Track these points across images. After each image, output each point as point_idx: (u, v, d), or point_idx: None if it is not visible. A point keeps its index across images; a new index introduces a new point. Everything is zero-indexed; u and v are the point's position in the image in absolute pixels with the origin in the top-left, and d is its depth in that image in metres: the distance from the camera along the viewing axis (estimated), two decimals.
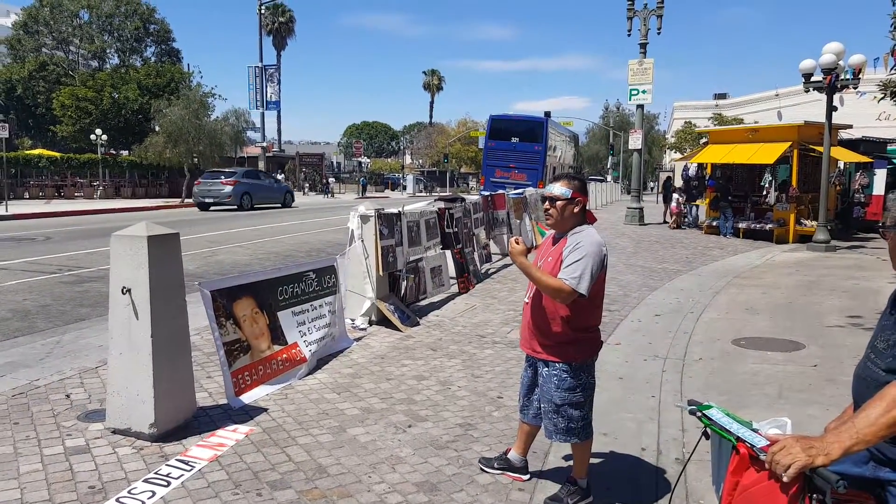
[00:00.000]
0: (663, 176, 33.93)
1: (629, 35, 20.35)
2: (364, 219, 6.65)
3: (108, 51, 46.70)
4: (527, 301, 3.41)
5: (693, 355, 6.14)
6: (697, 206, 20.57)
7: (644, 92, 20.48)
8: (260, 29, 40.31)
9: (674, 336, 6.85)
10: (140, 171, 34.49)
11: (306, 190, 45.20)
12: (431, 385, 5.10)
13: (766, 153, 16.09)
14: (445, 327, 6.96)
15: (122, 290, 3.80)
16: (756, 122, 24.66)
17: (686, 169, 29.13)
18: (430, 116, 78.89)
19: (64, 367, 5.05)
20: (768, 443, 1.68)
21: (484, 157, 32.46)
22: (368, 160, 70.68)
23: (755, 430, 1.79)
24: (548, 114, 34.85)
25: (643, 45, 20.11)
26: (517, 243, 3.18)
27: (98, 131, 32.16)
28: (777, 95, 39.18)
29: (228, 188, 24.92)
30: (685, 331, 7.08)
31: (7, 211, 19.27)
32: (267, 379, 4.77)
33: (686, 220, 20.07)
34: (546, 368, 3.29)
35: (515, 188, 16.67)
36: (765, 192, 18.03)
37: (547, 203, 3.24)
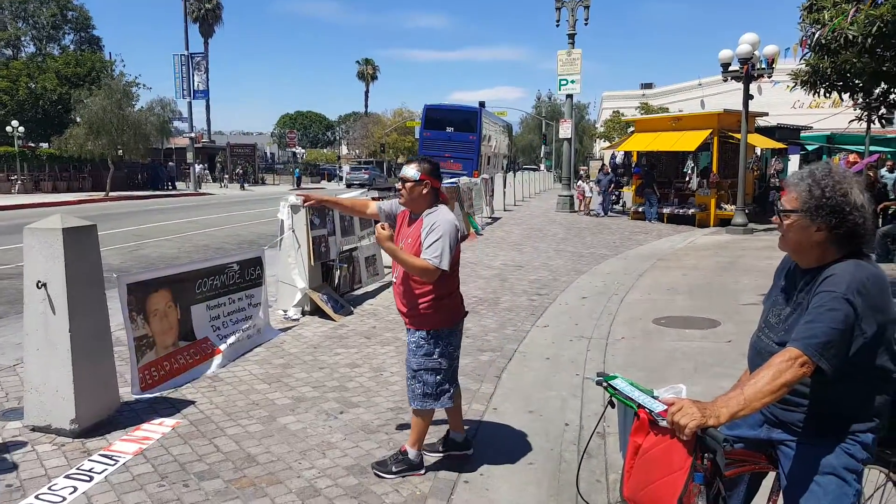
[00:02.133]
0: (595, 165, 34.85)
1: (557, 25, 20.72)
2: (294, 209, 6.61)
3: (22, 38, 44.08)
4: (394, 280, 3.56)
5: (616, 335, 6.42)
6: (619, 193, 21.31)
7: (573, 82, 20.94)
8: (185, 16, 38.66)
9: (598, 317, 7.13)
10: (61, 164, 32.73)
11: (225, 182, 43.95)
12: (364, 372, 5.16)
13: (689, 141, 16.82)
14: (380, 315, 7.01)
15: (38, 285, 3.69)
16: (680, 111, 25.65)
17: (613, 157, 30.04)
18: (366, 106, 77.95)
19: None
20: (665, 408, 1.82)
21: (420, 146, 32.48)
22: (303, 150, 69.37)
23: (655, 398, 1.93)
24: (482, 104, 35.11)
25: (571, 36, 20.53)
26: (383, 229, 3.29)
27: (14, 123, 30.36)
28: (700, 85, 40.64)
29: None
30: (609, 312, 7.38)
31: None
32: (175, 374, 4.72)
33: (604, 206, 20.41)
34: (410, 336, 3.52)
35: (451, 177, 16.80)
36: (687, 179, 18.83)
37: (399, 183, 3.46)
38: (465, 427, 3.83)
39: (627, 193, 21.90)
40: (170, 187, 37.05)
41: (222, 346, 5.19)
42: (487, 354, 5.70)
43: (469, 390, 4.75)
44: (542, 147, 60.67)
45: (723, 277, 9.50)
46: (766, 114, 19.07)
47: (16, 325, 5.79)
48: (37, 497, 3.11)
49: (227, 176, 44.78)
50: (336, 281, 7.24)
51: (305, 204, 3.86)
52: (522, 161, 72.83)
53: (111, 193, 28.76)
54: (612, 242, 13.83)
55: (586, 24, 20.47)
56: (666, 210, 17.90)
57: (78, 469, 3.41)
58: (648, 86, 58.28)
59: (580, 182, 21.24)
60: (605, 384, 2.08)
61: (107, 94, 27.99)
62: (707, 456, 1.76)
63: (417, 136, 35.80)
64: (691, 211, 17.36)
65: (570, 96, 21.87)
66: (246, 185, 41.09)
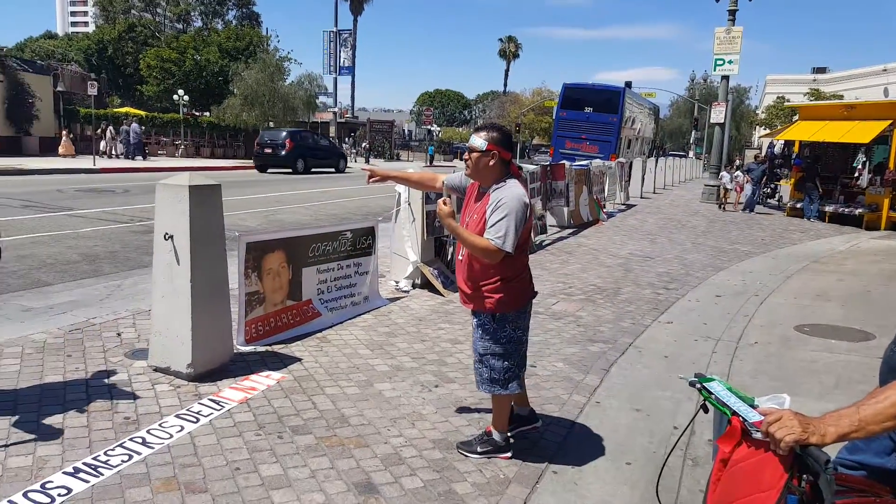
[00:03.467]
0: (752, 154, 32.26)
1: (717, 1, 19.27)
2: None
3: (192, 13, 48.25)
4: (459, 258, 3.37)
5: (749, 339, 5.87)
6: (776, 186, 19.45)
7: (730, 62, 19.41)
8: None
9: (731, 318, 6.57)
10: (218, 132, 35.69)
11: (355, 157, 45.18)
12: (465, 349, 5.09)
13: (862, 132, 14.94)
14: None
15: (165, 236, 3.95)
16: (857, 99, 22.96)
17: (772, 146, 27.59)
18: (505, 85, 77.74)
19: (120, 308, 5.34)
20: (761, 418, 1.59)
21: (555, 127, 31.80)
22: (439, 129, 70.60)
23: (755, 407, 1.69)
24: (628, 84, 33.65)
25: (732, 13, 19.03)
26: (445, 204, 3.13)
27: (180, 92, 33.43)
28: (885, 71, 36.20)
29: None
30: (745, 314, 6.77)
31: (94, 165, 20.45)
32: (278, 331, 4.91)
33: (750, 200, 17.99)
34: (475, 319, 3.34)
35: (586, 160, 16.27)
36: (857, 174, 16.86)
37: (466, 153, 3.21)
38: (561, 417, 3.66)
39: (785, 187, 20.01)
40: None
41: (322, 310, 5.34)
42: (598, 346, 5.42)
43: (571, 380, 4.55)
44: (693, 132, 57.07)
45: (888, 287, 8.41)
46: None
47: None
48: (148, 431, 3.35)
49: (354, 151, 46.07)
50: (448, 256, 7.23)
51: (370, 180, 3.75)
52: (670, 146, 69.27)
53: None
54: (761, 239, 12.71)
55: (750, 0, 18.84)
56: (828, 208, 16.15)
57: (188, 410, 3.63)
58: (821, 70, 52.99)
59: (724, 172, 19.50)
60: (698, 385, 1.85)
61: (261, 67, 30.03)
62: (806, 478, 1.50)
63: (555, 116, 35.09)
64: (858, 211, 15.52)
65: (726, 78, 20.32)
66: (370, 159, 41.92)
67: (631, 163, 21.05)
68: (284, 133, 25.43)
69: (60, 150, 24.80)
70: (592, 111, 30.06)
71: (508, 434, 3.53)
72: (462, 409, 3.96)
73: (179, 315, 3.98)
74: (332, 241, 5.42)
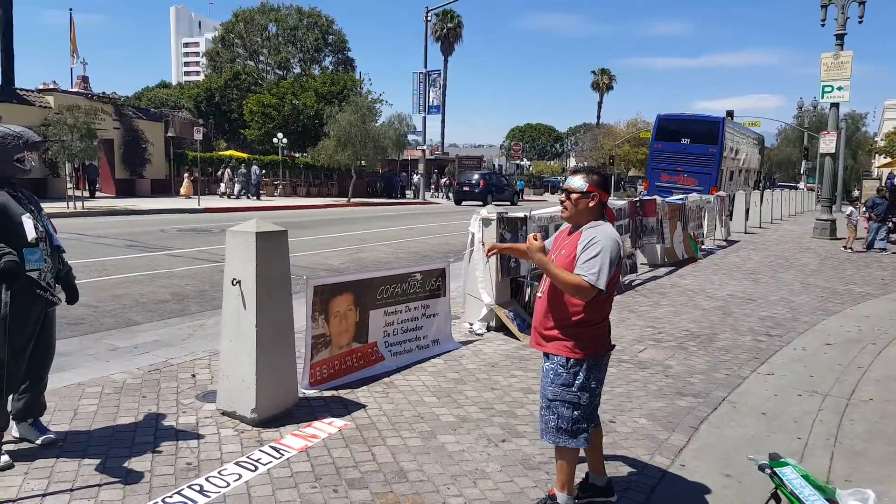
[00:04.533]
0: (871, 185, 29.88)
1: (823, 25, 18.20)
2: (486, 222, 6.51)
3: (291, 60, 51.02)
4: (539, 296, 3.26)
5: (862, 395, 5.23)
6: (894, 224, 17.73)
7: (840, 89, 18.19)
8: (426, 35, 41.69)
9: (843, 370, 5.90)
10: (314, 171, 37.27)
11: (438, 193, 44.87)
12: (538, 399, 4.78)
13: None
14: None
15: (233, 282, 4.00)
16: None
17: (891, 177, 25.42)
18: (598, 117, 76.68)
19: (198, 349, 5.47)
20: None
21: (649, 159, 30.85)
22: (529, 163, 70.42)
23: (834, 502, 1.40)
24: (730, 113, 32.30)
25: (840, 37, 17.86)
26: (535, 239, 3.08)
27: (279, 135, 35.26)
28: None
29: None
30: (860, 365, 6.08)
31: (199, 205, 21.78)
32: (342, 374, 4.87)
33: (874, 238, 16.11)
34: (547, 363, 3.17)
35: (683, 193, 15.56)
36: None
37: (563, 195, 3.15)
38: (640, 481, 3.33)
39: None
40: (399, 196, 39.96)
41: (386, 354, 5.26)
42: (687, 400, 4.98)
43: (655, 438, 4.17)
44: (803, 162, 53.74)
45: None
46: None
47: None
48: (207, 479, 3.32)
49: (433, 186, 45.82)
50: (526, 298, 6.98)
51: (489, 254, 3.78)
52: (779, 177, 65.66)
53: (352, 199, 31.90)
54: (881, 279, 11.54)
55: (860, 22, 17.65)
56: None
57: (247, 458, 3.59)
58: None
59: (850, 208, 17.68)
60: (769, 471, 1.57)
61: (353, 109, 31.19)
62: None
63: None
64: None
65: (835, 105, 19.08)
66: (450, 194, 42.24)
67: (733, 195, 19.95)
68: (478, 175, 35.67)
69: (182, 190, 26.83)
70: (689, 142, 28.96)
71: (576, 500, 3.26)
72: (530, 469, 3.70)
73: (245, 359, 3.99)
74: (400, 284, 5.34)
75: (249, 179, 30.22)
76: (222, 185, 30.59)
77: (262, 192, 31.19)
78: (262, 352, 3.99)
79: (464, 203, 32.80)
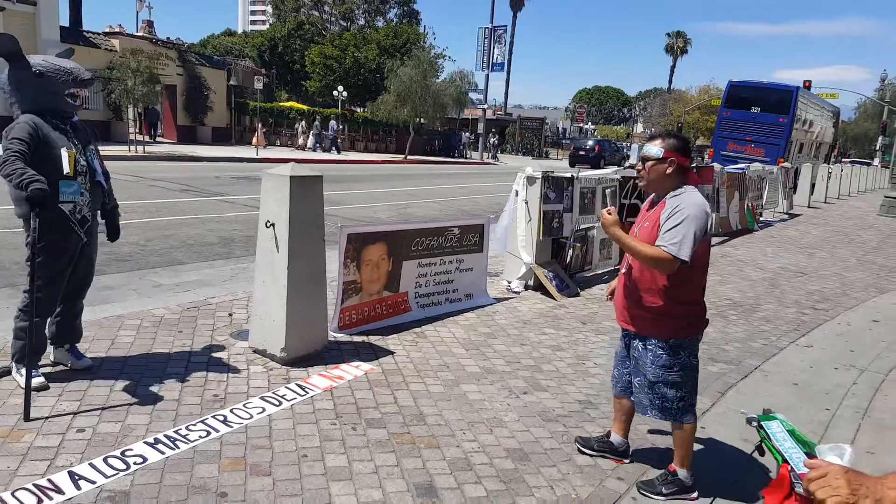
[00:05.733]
0: None
1: None
2: (530, 181, 6.45)
3: (355, 11, 50.53)
4: (622, 272, 3.16)
5: None
6: None
7: None
8: None
9: (886, 347, 5.71)
10: (372, 126, 37.24)
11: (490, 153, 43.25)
12: (566, 357, 4.85)
13: None
14: (607, 302, 6.50)
15: (266, 224, 4.12)
16: None
17: None
18: (670, 82, 73.71)
19: (238, 290, 5.68)
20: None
21: (717, 127, 29.67)
22: (593, 126, 68.61)
23: (812, 456, 1.40)
24: (807, 84, 30.65)
25: None
26: (609, 213, 2.97)
27: (340, 88, 35.32)
28: None
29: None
30: None
31: (258, 155, 22.24)
32: (371, 321, 4.97)
33: None
34: (640, 343, 3.05)
35: (747, 163, 15.02)
36: None
37: (640, 163, 3.02)
38: (657, 440, 3.35)
39: None
40: (457, 155, 39.69)
41: (413, 305, 5.33)
42: (719, 366, 4.93)
43: None
44: (880, 138, 50.73)
45: None
46: None
47: None
48: (231, 410, 3.50)
49: (489, 147, 44.32)
50: (567, 259, 6.93)
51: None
52: (854, 153, 62.30)
53: (409, 157, 31.90)
54: None
55: None
56: None
57: (273, 393, 3.76)
58: None
59: None
60: (756, 424, 1.59)
61: (415, 64, 30.82)
62: None
63: None
64: None
65: None
66: (498, 155, 41.35)
67: (798, 168, 19.09)
68: (592, 141, 39.94)
69: (254, 141, 27.49)
70: (760, 111, 27.69)
71: (594, 450, 3.37)
72: (548, 420, 3.75)
73: (276, 300, 4.13)
74: (437, 237, 5.38)
75: (322, 133, 30.73)
76: (300, 138, 31.15)
77: (336, 146, 31.40)
78: (292, 294, 4.12)
79: (577, 165, 33.98)
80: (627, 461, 3.36)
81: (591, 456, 3.39)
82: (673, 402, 2.98)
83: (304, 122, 31.64)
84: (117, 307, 5.02)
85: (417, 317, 5.30)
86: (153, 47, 23.45)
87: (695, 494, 3.04)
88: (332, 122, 31.45)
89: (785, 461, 1.42)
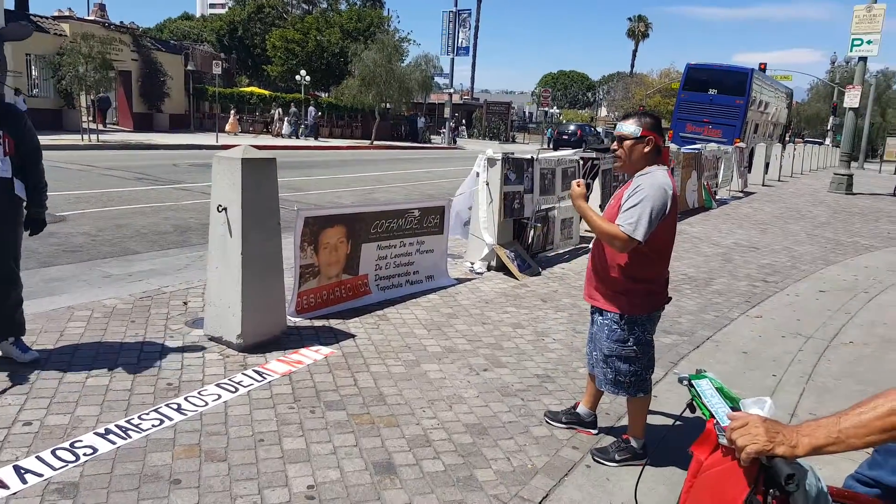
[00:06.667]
0: (892, 142, 28.99)
1: None
2: (491, 162, 6.47)
3: None
4: (591, 247, 3.21)
5: (844, 338, 5.28)
6: None
7: (869, 43, 17.74)
8: None
9: (831, 316, 5.93)
10: (337, 112, 36.74)
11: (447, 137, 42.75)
12: (526, 334, 4.92)
13: None
14: (567, 280, 6.64)
15: (218, 208, 4.06)
16: None
17: None
18: (632, 66, 74.31)
19: (193, 278, 5.60)
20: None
21: (675, 109, 30.09)
22: (558, 111, 68.86)
23: (738, 409, 1.48)
24: (763, 66, 31.28)
25: None
26: (578, 185, 2.98)
27: (303, 72, 34.69)
28: None
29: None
30: (848, 311, 6.11)
31: (217, 142, 21.80)
32: (329, 304, 4.96)
33: None
34: (600, 317, 3.11)
35: (706, 144, 15.31)
36: None
37: (615, 143, 2.97)
38: (611, 409, 3.44)
39: None
40: (420, 140, 39.38)
41: (373, 287, 5.33)
42: (672, 338, 5.05)
43: None
44: (831, 118, 52.20)
45: None
46: None
47: None
48: (185, 398, 3.45)
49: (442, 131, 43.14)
50: (529, 240, 7.00)
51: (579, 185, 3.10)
52: (807, 133, 63.92)
53: (375, 142, 31.65)
54: (886, 233, 11.41)
55: None
56: None
57: (229, 380, 3.72)
58: None
59: None
60: (686, 383, 1.66)
61: (379, 48, 30.49)
62: (772, 493, 1.29)
63: None
64: None
65: (863, 59, 18.49)
66: (456, 140, 40.82)
67: (752, 148, 19.52)
68: (574, 126, 41.06)
69: (227, 127, 27.05)
70: (716, 93, 28.18)
71: (563, 423, 3.46)
72: (507, 395, 3.81)
73: (231, 286, 4.09)
74: (396, 219, 5.38)
75: (300, 120, 30.52)
76: (277, 124, 30.83)
77: (315, 132, 31.16)
78: (247, 279, 4.07)
79: (560, 149, 34.89)
80: (595, 432, 3.43)
81: (551, 427, 3.46)
82: (626, 376, 3.05)
83: (280, 109, 31.26)
84: (66, 298, 4.91)
85: (378, 299, 5.30)
86: (106, 32, 22.74)
87: (645, 461, 3.14)
88: (312, 109, 31.30)
89: (712, 416, 1.49)
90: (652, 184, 2.83)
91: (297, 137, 29.98)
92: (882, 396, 1.26)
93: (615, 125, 3.13)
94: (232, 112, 28.54)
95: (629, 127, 2.91)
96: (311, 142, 28.79)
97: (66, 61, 18.56)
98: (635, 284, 2.95)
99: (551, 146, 37.30)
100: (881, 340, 5.24)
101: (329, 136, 35.32)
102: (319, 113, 32.62)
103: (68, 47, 19.32)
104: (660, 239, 2.88)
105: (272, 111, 31.72)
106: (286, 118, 30.60)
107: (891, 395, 1.25)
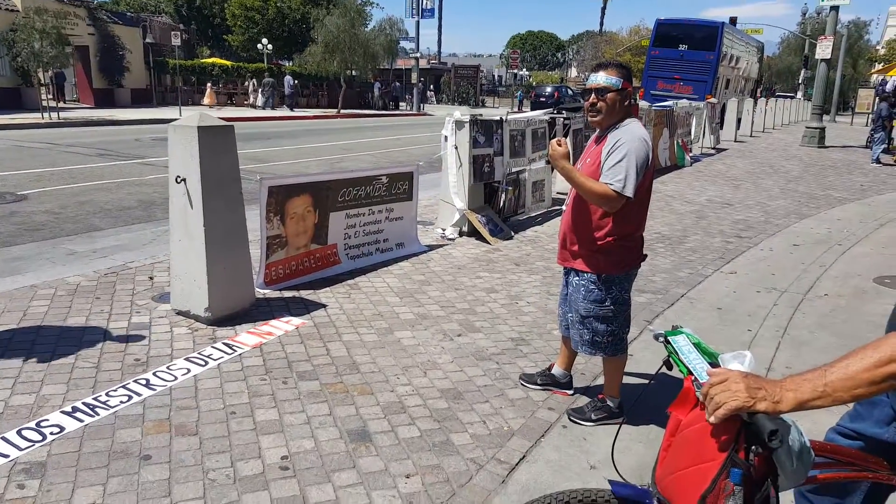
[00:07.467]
0: (866, 94, 29.20)
1: None
2: (459, 125, 6.35)
3: None
4: (565, 208, 3.11)
5: (819, 290, 5.32)
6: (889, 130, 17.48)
7: None
8: None
9: (804, 269, 5.98)
10: (301, 80, 35.94)
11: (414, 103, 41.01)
12: (499, 298, 4.88)
13: None
14: (540, 243, 6.60)
15: (177, 179, 3.92)
16: None
17: (883, 83, 24.87)
18: (601, 25, 73.73)
19: (159, 253, 5.45)
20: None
21: (646, 66, 29.97)
22: (528, 73, 68.35)
23: (717, 364, 1.42)
24: (733, 20, 31.18)
25: None
26: (559, 144, 2.84)
27: (264, 41, 33.75)
28: None
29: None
30: (822, 264, 6.15)
31: (180, 115, 21.16)
32: (299, 274, 4.87)
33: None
34: (576, 278, 3.04)
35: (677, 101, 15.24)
36: None
37: (594, 96, 2.81)
38: (586, 369, 3.43)
39: None
40: (392, 107, 38.84)
41: (343, 256, 5.25)
42: (646, 296, 5.05)
43: None
44: (802, 72, 52.47)
45: None
46: None
47: None
48: (154, 373, 3.37)
49: (408, 96, 41.45)
50: (500, 204, 6.93)
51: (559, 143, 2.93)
52: (779, 87, 64.28)
53: (342, 111, 31.06)
54: (860, 186, 11.55)
55: None
56: None
57: (198, 353, 3.64)
58: None
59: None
60: (662, 340, 1.60)
61: (342, 13, 29.71)
62: (755, 449, 1.24)
63: None
64: None
65: (835, 8, 18.41)
66: (424, 105, 40.33)
67: (724, 104, 19.55)
68: (551, 88, 40.52)
69: (205, 100, 26.25)
70: (687, 48, 28.07)
71: (538, 384, 3.44)
72: (481, 360, 3.78)
73: (195, 259, 3.97)
74: (364, 186, 5.27)
75: (275, 90, 30.01)
76: (252, 95, 30.30)
77: (292, 103, 30.69)
78: (211, 251, 3.96)
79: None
80: (571, 392, 3.42)
81: (528, 389, 3.44)
82: (603, 336, 3.01)
83: (254, 80, 30.67)
84: (30, 277, 4.76)
85: (348, 268, 5.22)
86: (59, 5, 21.77)
87: (621, 419, 3.13)
88: (288, 78, 30.75)
89: (690, 373, 1.43)
90: (632, 137, 2.76)
91: (273, 108, 29.43)
92: (870, 347, 1.21)
93: (585, 81, 2.99)
94: (209, 84, 28.04)
95: (610, 78, 2.78)
96: (286, 112, 28.35)
97: (19, 37, 17.79)
98: (614, 242, 2.89)
99: (530, 109, 37.33)
100: (855, 291, 5.30)
101: (295, 105, 34.60)
102: (296, 82, 31.95)
103: (21, 23, 18.49)
104: (640, 192, 2.82)
105: (246, 83, 31.07)
106: (260, 89, 30.01)
107: (879, 346, 1.20)
